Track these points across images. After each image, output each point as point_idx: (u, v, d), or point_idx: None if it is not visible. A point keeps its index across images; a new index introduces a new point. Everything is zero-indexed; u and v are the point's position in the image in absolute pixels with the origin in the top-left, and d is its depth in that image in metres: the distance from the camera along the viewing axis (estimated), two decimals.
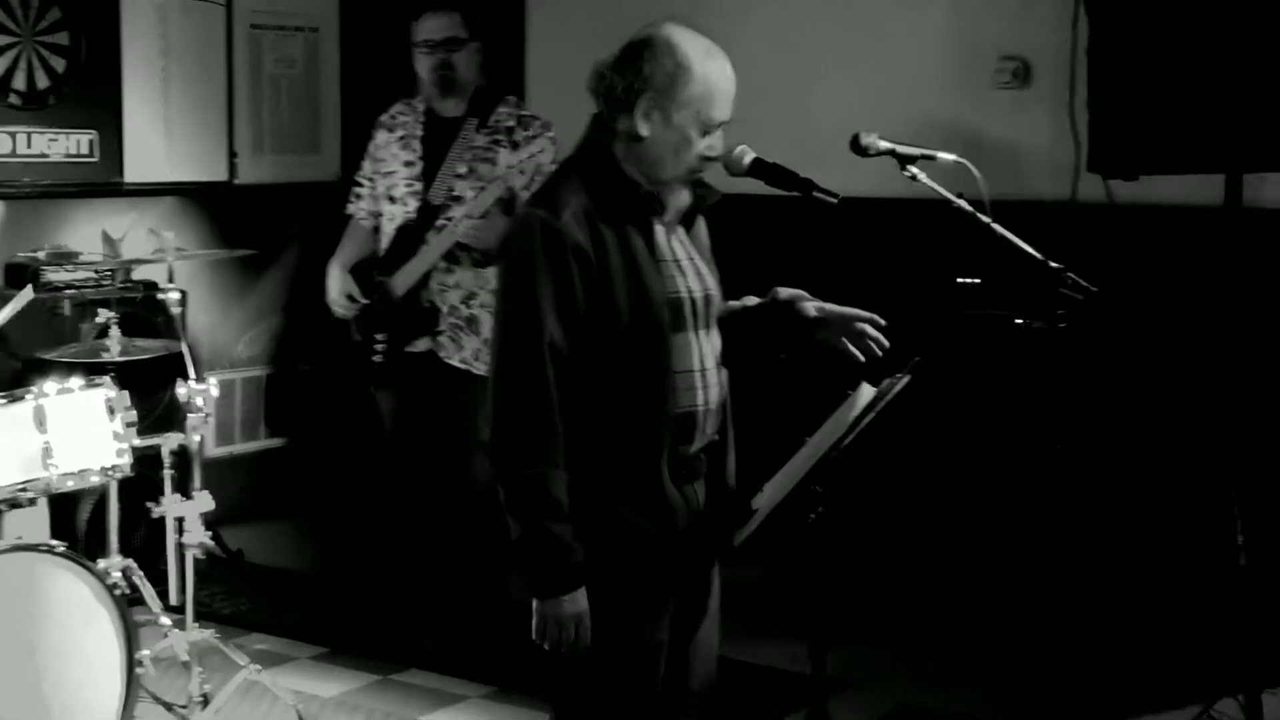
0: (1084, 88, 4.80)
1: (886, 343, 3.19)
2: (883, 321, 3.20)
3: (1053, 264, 3.44)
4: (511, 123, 5.09)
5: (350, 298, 5.19)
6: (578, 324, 2.99)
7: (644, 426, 3.04)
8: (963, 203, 3.37)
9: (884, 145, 3.34)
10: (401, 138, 5.20)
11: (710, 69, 3.06)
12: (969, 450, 5.44)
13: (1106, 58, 4.68)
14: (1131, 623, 5.17)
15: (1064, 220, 5.34)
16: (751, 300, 3.34)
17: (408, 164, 5.15)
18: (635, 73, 3.04)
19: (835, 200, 3.16)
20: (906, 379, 3.08)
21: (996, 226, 3.36)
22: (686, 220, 3.22)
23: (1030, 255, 3.44)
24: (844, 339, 3.22)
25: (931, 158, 3.38)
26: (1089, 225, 5.52)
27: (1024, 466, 5.03)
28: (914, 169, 3.37)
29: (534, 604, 3.03)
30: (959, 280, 5.59)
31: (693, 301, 3.13)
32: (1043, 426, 4.24)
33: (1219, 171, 4.71)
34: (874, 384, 3.09)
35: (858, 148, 3.33)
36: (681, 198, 3.16)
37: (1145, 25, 4.60)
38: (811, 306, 3.24)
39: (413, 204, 5.11)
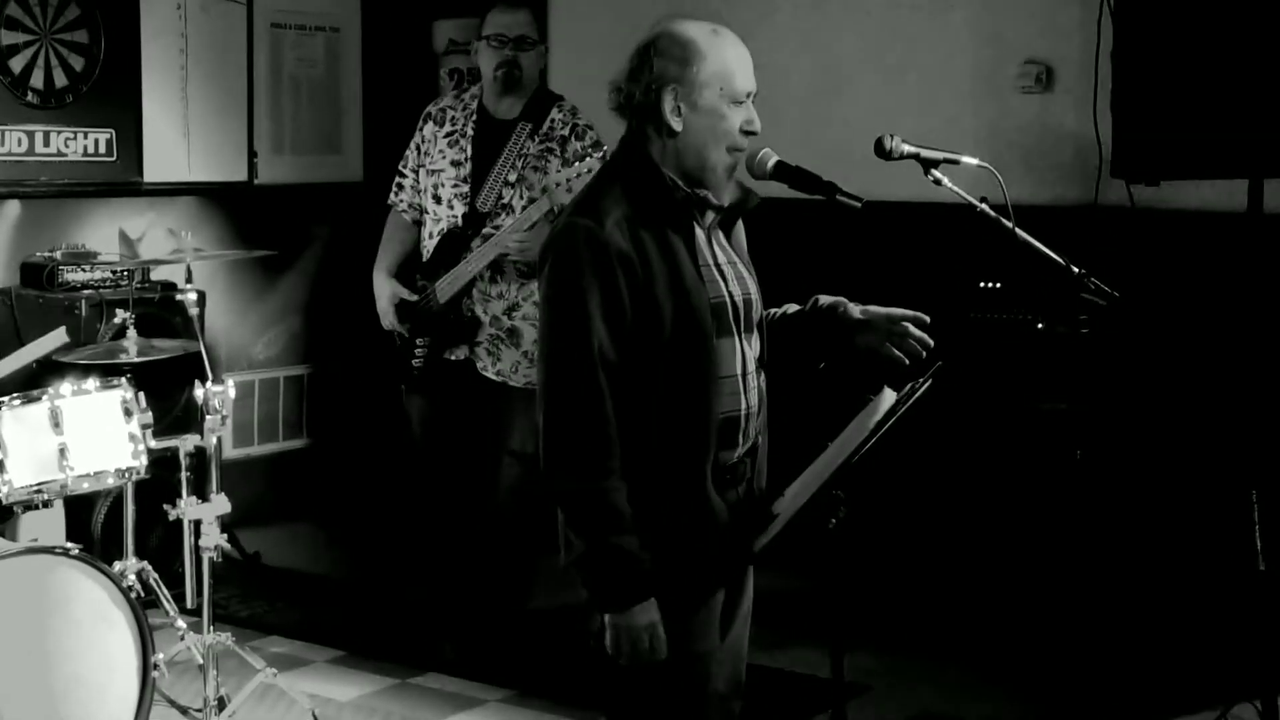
0: (1108, 92, 4.79)
1: (931, 342, 3.18)
2: (927, 319, 3.19)
3: (1075, 269, 3.42)
4: (565, 131, 5.02)
5: (400, 304, 5.13)
6: (624, 332, 2.98)
7: (689, 432, 3.03)
8: (986, 207, 3.36)
9: (908, 149, 3.33)
10: (450, 134, 5.12)
11: (719, 44, 3.07)
12: (989, 456, 5.42)
13: (1130, 62, 4.67)
14: (1150, 627, 5.15)
15: (1087, 225, 5.32)
16: (792, 307, 3.34)
17: (455, 164, 5.08)
18: (649, 73, 3.05)
19: (859, 204, 3.16)
20: (928, 384, 3.07)
21: (1019, 231, 3.35)
22: (726, 224, 3.22)
23: (1053, 260, 3.43)
24: (886, 343, 3.20)
25: (955, 162, 3.38)
26: (1112, 230, 5.50)
27: (1045, 472, 5.01)
28: (937, 173, 3.36)
29: (606, 619, 2.99)
30: (981, 285, 5.58)
31: (734, 305, 3.13)
32: (1064, 432, 4.23)
33: (1242, 177, 4.70)
34: (896, 389, 3.09)
35: (882, 151, 3.32)
36: (723, 196, 3.15)
37: (1169, 29, 4.59)
38: (856, 309, 3.24)
39: (459, 207, 5.05)
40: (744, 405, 3.12)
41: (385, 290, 5.18)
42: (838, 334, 3.24)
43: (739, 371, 3.11)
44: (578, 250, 2.97)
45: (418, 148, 5.23)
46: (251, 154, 6.98)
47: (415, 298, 5.12)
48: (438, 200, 5.11)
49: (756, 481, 3.23)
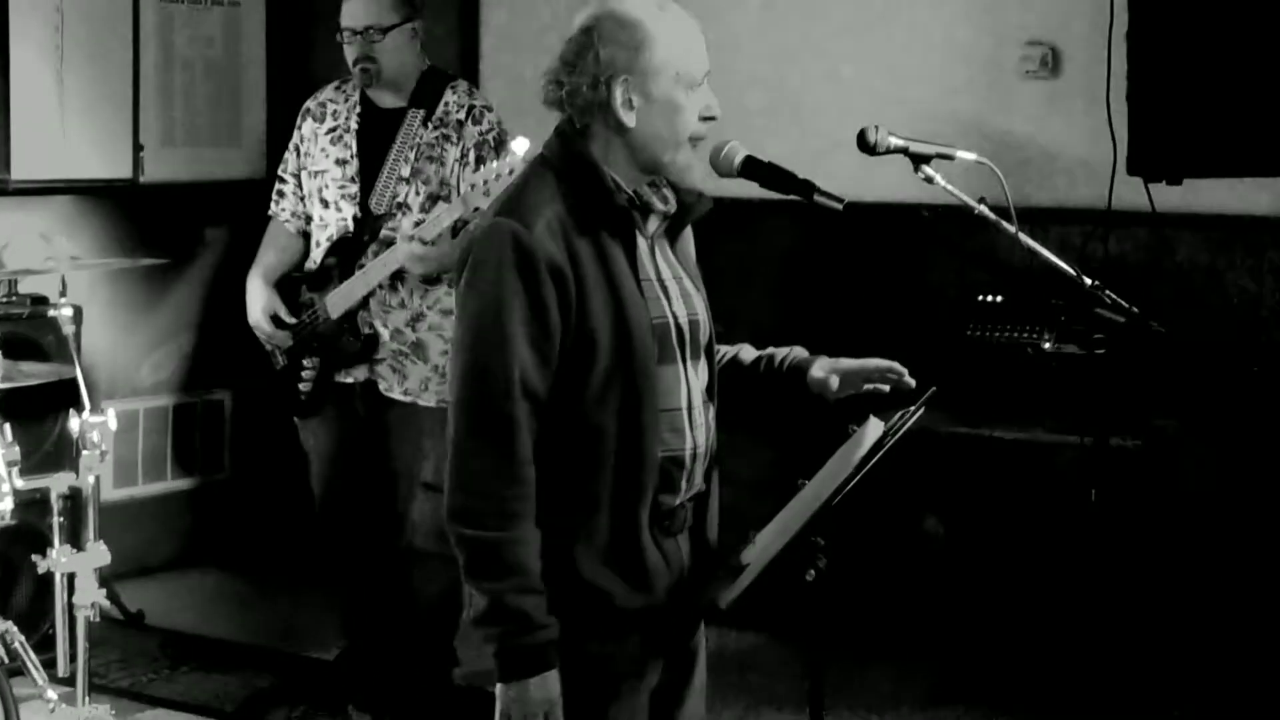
0: (1122, 79, 4.82)
1: (912, 382, 3.19)
2: (903, 369, 3.20)
3: (1087, 280, 3.44)
4: (461, 115, 5.06)
5: (276, 319, 5.16)
6: (551, 355, 2.95)
7: (622, 474, 3.00)
8: (985, 209, 3.37)
9: (895, 142, 3.35)
10: (332, 129, 5.17)
11: (668, 22, 3.05)
12: (989, 495, 5.44)
13: (1148, 45, 4.71)
14: (1175, 683, 5.17)
15: (1100, 229, 5.35)
16: (746, 352, 3.33)
17: (340, 162, 5.12)
18: (595, 63, 3.02)
19: (840, 205, 3.17)
20: (920, 412, 3.08)
21: (1023, 236, 3.36)
22: (672, 232, 3.19)
23: (1061, 270, 3.44)
24: (864, 385, 3.23)
25: (949, 157, 3.40)
26: (1128, 235, 5.54)
27: (1055, 515, 5.03)
28: (929, 169, 3.39)
29: (498, 688, 2.97)
30: (980, 298, 5.60)
31: (678, 328, 3.10)
32: (1076, 468, 4.24)
33: (1273, 175, 4.73)
34: (883, 418, 3.09)
35: (865, 145, 3.33)
36: (667, 203, 3.14)
37: (1192, 8, 4.62)
38: (822, 369, 3.24)
39: (348, 210, 5.08)
40: (689, 443, 3.09)
41: (259, 300, 5.19)
42: (803, 394, 3.25)
43: (684, 404, 3.09)
44: (501, 257, 2.93)
45: (297, 149, 5.27)
46: (137, 147, 6.95)
47: (293, 320, 5.14)
48: (325, 204, 5.14)
49: (707, 531, 3.21)
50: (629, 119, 3.02)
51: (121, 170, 6.91)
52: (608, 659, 3.04)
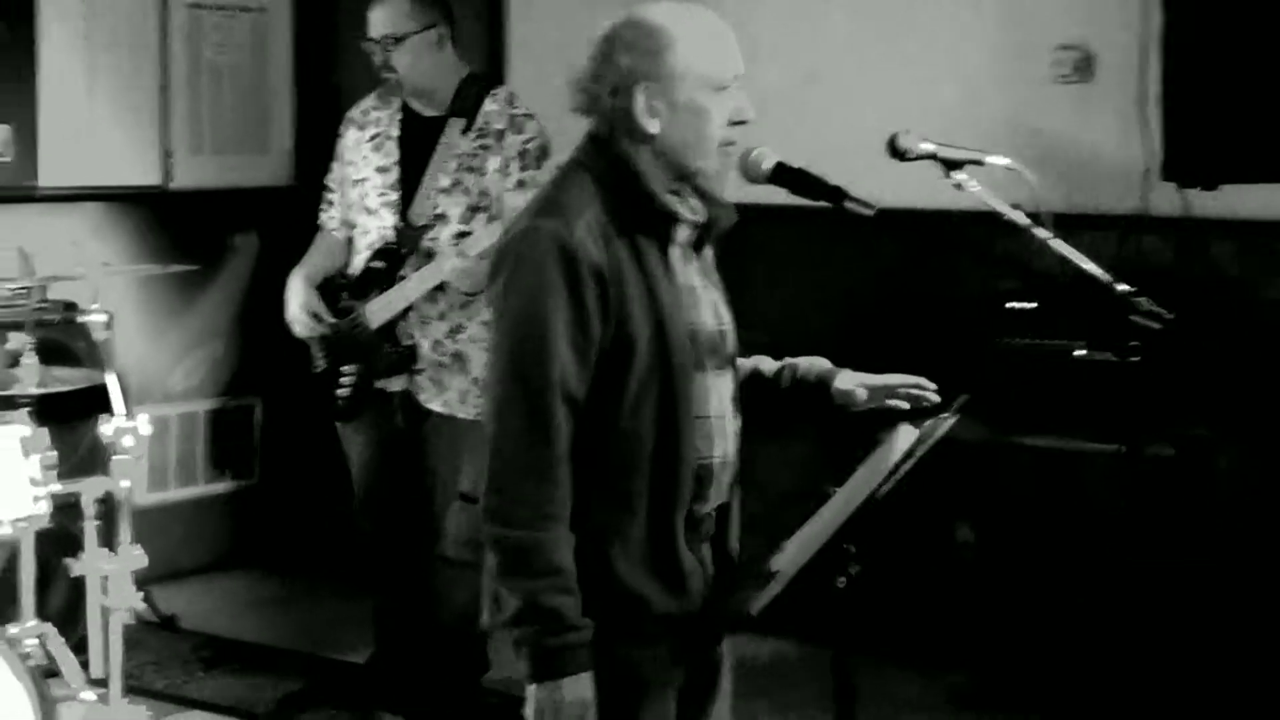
0: (1157, 83, 4.82)
1: (937, 398, 3.20)
2: (931, 385, 3.22)
3: (1121, 287, 3.45)
4: (501, 124, 5.06)
5: (315, 316, 5.19)
6: (591, 360, 2.95)
7: (659, 479, 3.01)
8: (1017, 215, 3.38)
9: (926, 147, 3.35)
10: (374, 137, 5.20)
11: (691, 26, 3.05)
12: (1023, 504, 5.44)
13: (1184, 48, 4.71)
14: (1207, 701, 5.18)
15: (1135, 236, 5.35)
16: (765, 363, 3.35)
17: (381, 169, 5.15)
18: (615, 72, 3.03)
19: (871, 212, 3.17)
20: (953, 420, 3.09)
21: (1056, 242, 3.37)
22: (697, 244, 3.19)
23: (1095, 276, 3.45)
24: (887, 400, 3.25)
25: (980, 162, 3.40)
26: (1164, 241, 5.54)
27: (1086, 524, 5.04)
28: (960, 175, 3.38)
29: (530, 689, 2.97)
30: (1011, 305, 5.61)
31: (709, 337, 3.11)
32: (1111, 478, 4.24)
33: None
34: (915, 425, 3.10)
35: (896, 150, 3.34)
36: (696, 214, 3.15)
37: (1229, 10, 4.61)
38: (845, 382, 3.26)
39: (389, 217, 5.11)
40: (720, 451, 3.11)
41: (299, 295, 5.22)
42: (826, 405, 3.27)
43: (715, 413, 3.10)
44: (543, 257, 2.93)
45: (340, 158, 5.31)
46: (166, 154, 6.99)
47: (331, 320, 5.18)
48: (367, 211, 5.18)
49: (729, 541, 3.22)
50: (653, 126, 3.02)
51: (151, 177, 6.96)
52: (639, 664, 3.04)
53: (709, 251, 3.25)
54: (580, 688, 2.94)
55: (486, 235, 4.85)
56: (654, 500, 3.02)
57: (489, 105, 5.10)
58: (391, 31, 5.05)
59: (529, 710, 2.98)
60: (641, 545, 3.03)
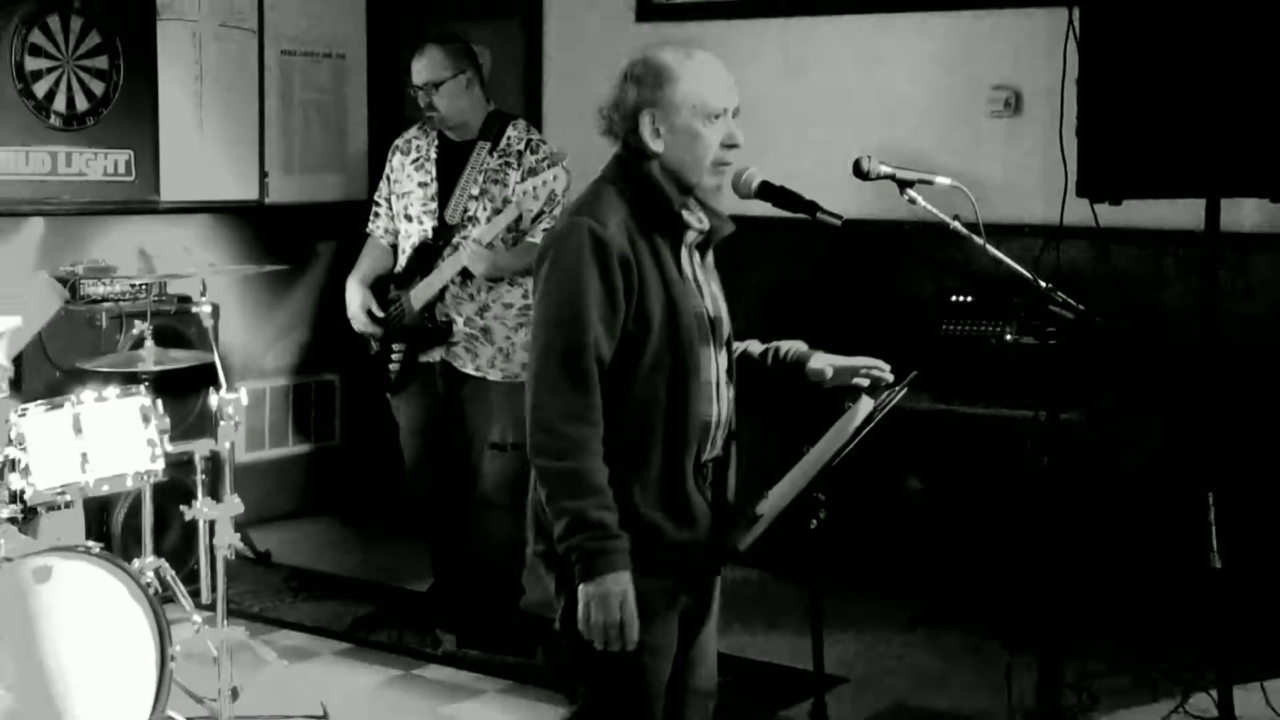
0: (1073, 116, 4.79)
1: (890, 377, 3.20)
2: (886, 366, 3.21)
3: (1042, 284, 3.43)
4: (521, 146, 5.11)
5: (369, 312, 5.21)
6: (616, 332, 2.98)
7: (671, 432, 3.03)
8: (958, 225, 3.36)
9: (884, 170, 3.33)
10: (415, 160, 5.24)
11: (691, 65, 3.07)
12: (961, 459, 5.43)
13: (1094, 88, 4.68)
14: (1112, 624, 5.17)
15: (1054, 242, 5.33)
16: (754, 346, 3.35)
17: (422, 185, 5.19)
18: (627, 101, 3.07)
19: (839, 222, 3.16)
20: (903, 392, 3.10)
21: (989, 247, 3.35)
22: (702, 246, 3.21)
23: (1021, 275, 3.44)
24: (852, 379, 3.24)
25: (929, 182, 3.38)
26: (1076, 247, 5.52)
27: (1013, 477, 5.03)
28: (913, 192, 3.37)
29: (579, 589, 2.94)
30: (953, 298, 5.59)
31: (710, 319, 3.14)
32: (1031, 437, 4.23)
33: (1199, 196, 4.70)
34: (873, 396, 3.11)
35: (860, 172, 3.32)
36: (714, 211, 3.16)
37: (1131, 57, 4.60)
38: (818, 363, 3.25)
39: (429, 222, 5.15)
40: (716, 412, 3.12)
41: (356, 297, 5.26)
42: (801, 381, 3.26)
43: (713, 379, 3.11)
44: (582, 247, 2.96)
45: (388, 178, 5.34)
46: (263, 174, 6.98)
47: (380, 313, 5.20)
48: (409, 219, 5.21)
49: (727, 489, 3.22)
50: (657, 146, 3.05)
51: (250, 193, 6.95)
52: (650, 593, 3.03)
53: (710, 253, 3.26)
54: (622, 581, 2.93)
55: (493, 227, 4.94)
56: (667, 449, 3.03)
57: (510, 132, 5.14)
58: (431, 79, 5.09)
59: (579, 612, 2.95)
60: (656, 486, 3.03)
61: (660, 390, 3.01)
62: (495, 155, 5.10)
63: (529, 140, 5.13)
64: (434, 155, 5.20)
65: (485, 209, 5.05)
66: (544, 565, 3.11)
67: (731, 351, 3.24)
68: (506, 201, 5.00)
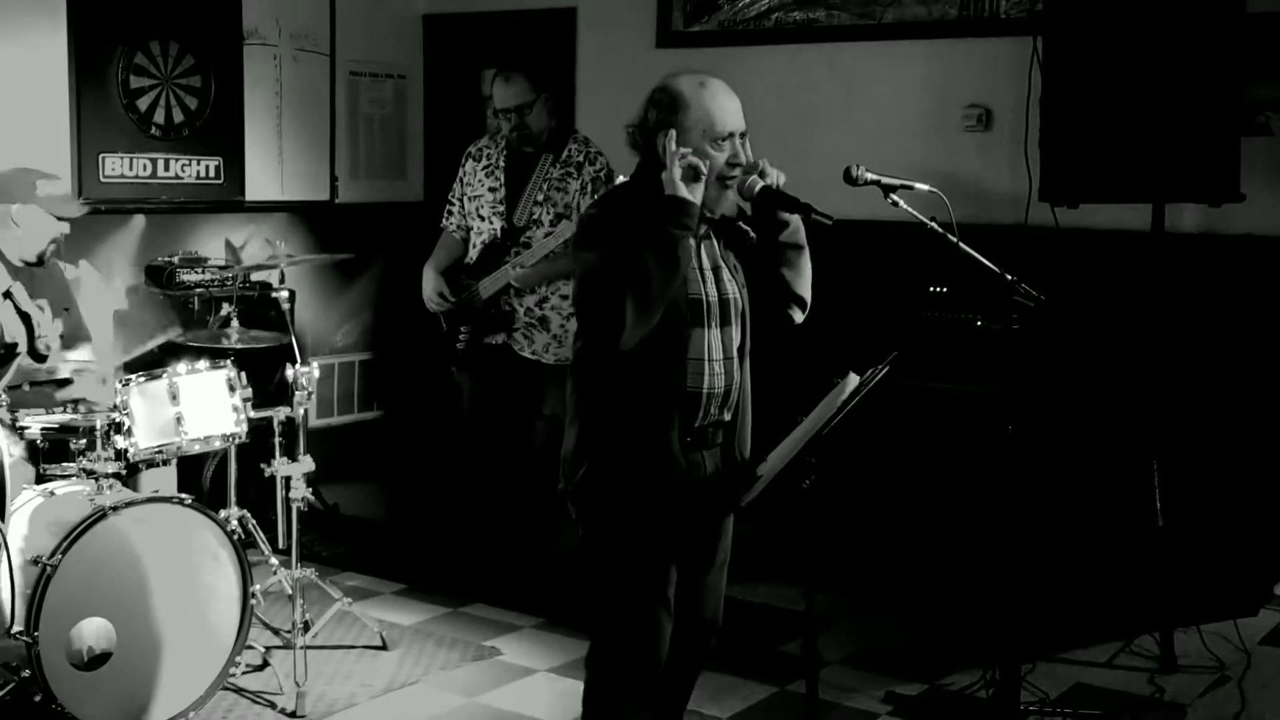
0: (1037, 130, 4.78)
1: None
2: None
3: (1008, 276, 3.43)
4: (581, 158, 5.07)
5: (442, 295, 5.20)
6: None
7: (659, 399, 3.08)
8: (935, 225, 3.36)
9: (870, 177, 3.33)
10: (486, 167, 5.20)
11: (703, 94, 3.10)
12: (937, 430, 5.41)
13: (1056, 106, 4.67)
14: (1067, 574, 5.16)
15: (1018, 240, 5.31)
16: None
17: (492, 189, 5.15)
18: (648, 120, 3.12)
19: (830, 221, 3.16)
20: (886, 370, 3.09)
21: (962, 245, 3.35)
22: (720, 236, 3.23)
23: (990, 269, 3.44)
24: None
25: (910, 187, 3.38)
26: (1039, 245, 5.49)
27: (982, 444, 5.01)
28: (895, 197, 3.37)
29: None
30: (931, 289, 5.57)
31: (709, 303, 3.15)
32: (998, 411, 4.23)
33: (1146, 201, 4.70)
34: (859, 373, 3.10)
35: (849, 179, 3.33)
36: (718, 212, 3.17)
37: (1088, 79, 4.60)
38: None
39: (498, 223, 5.11)
40: (707, 385, 3.13)
41: (431, 282, 5.25)
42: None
43: (705, 356, 3.13)
44: (606, 229, 3.06)
45: (461, 181, 5.30)
46: (333, 178, 6.99)
47: (452, 298, 5.19)
48: (480, 218, 5.17)
49: (738, 449, 3.23)
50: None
51: (322, 194, 6.95)
52: (646, 518, 3.11)
53: (719, 244, 3.26)
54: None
55: (537, 250, 4.95)
56: (655, 413, 3.09)
57: (571, 145, 5.10)
58: (522, 101, 5.03)
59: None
60: (645, 443, 3.10)
61: (649, 363, 3.06)
62: (558, 166, 5.06)
63: (588, 153, 5.08)
64: (503, 164, 5.15)
65: (549, 213, 5.02)
66: (569, 503, 3.18)
67: (747, 328, 3.24)
68: (568, 207, 4.99)
